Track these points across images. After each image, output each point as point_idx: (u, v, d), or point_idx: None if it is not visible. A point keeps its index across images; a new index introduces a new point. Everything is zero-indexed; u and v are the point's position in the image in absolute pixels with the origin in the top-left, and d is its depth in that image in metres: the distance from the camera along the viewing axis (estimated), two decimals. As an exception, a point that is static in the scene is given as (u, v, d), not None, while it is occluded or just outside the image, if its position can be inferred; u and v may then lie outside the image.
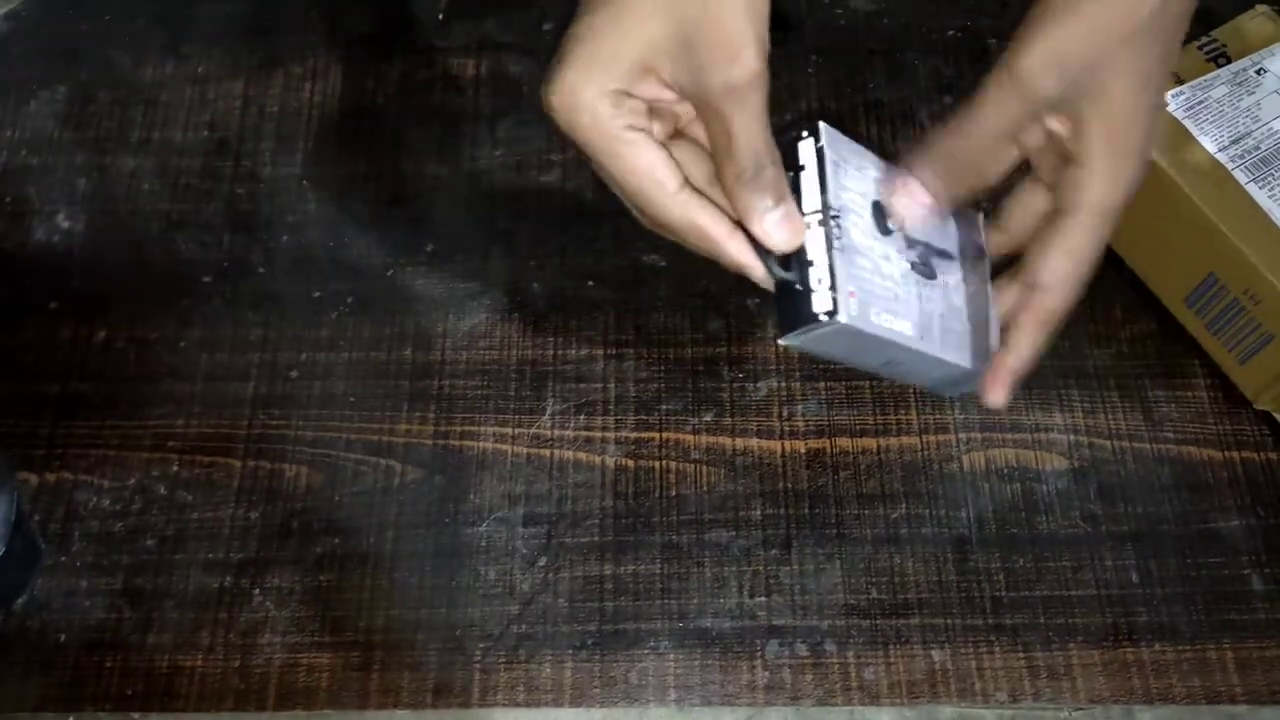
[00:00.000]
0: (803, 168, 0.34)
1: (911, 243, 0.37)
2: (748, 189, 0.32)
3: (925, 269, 0.37)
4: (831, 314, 0.33)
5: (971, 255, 0.39)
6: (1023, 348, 0.37)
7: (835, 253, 0.34)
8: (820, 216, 0.34)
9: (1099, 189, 0.34)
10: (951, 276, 0.38)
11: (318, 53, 0.64)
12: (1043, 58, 0.32)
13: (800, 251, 0.34)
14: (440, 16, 0.66)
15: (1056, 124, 0.34)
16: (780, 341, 0.35)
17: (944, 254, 0.38)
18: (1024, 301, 0.36)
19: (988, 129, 0.34)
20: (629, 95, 0.31)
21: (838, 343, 0.35)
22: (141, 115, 0.63)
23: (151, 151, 0.61)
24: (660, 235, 0.35)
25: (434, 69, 0.64)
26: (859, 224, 0.35)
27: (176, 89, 0.63)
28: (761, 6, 0.31)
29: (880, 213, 0.36)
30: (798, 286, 0.34)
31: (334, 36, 0.65)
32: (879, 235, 0.36)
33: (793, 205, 0.34)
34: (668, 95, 0.32)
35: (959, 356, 0.38)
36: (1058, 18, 0.32)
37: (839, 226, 0.34)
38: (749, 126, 0.32)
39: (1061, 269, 0.35)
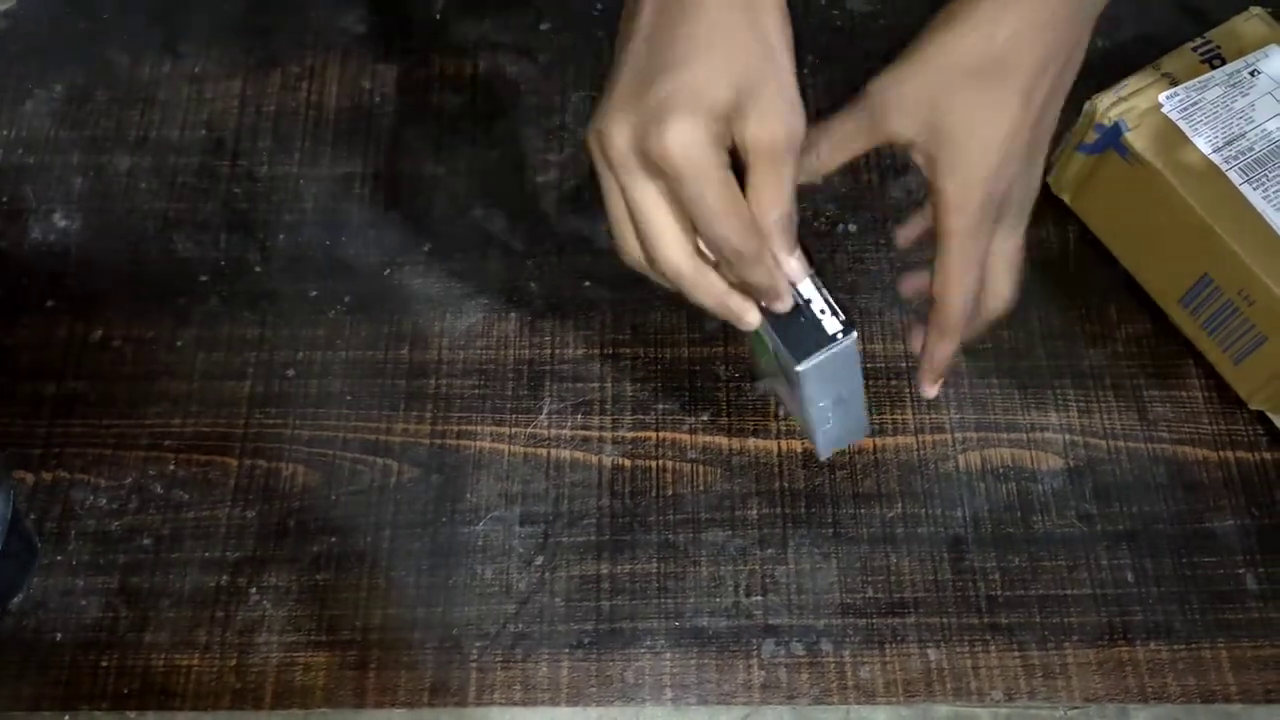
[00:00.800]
0: None
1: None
2: (785, 231, 0.37)
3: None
4: (847, 328, 0.39)
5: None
6: (931, 349, 0.42)
7: (827, 290, 0.39)
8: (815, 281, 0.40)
9: (948, 219, 0.37)
10: None
11: (315, 52, 0.64)
12: (896, 93, 0.37)
13: (798, 296, 0.39)
14: (437, 16, 0.66)
15: (916, 153, 0.38)
16: (782, 375, 0.41)
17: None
18: (930, 322, 0.41)
19: (837, 143, 0.39)
20: (718, 138, 0.34)
21: (828, 369, 0.40)
22: (139, 114, 0.63)
23: (148, 150, 0.61)
24: (679, 283, 0.38)
25: (431, 69, 0.64)
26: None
27: (174, 88, 0.63)
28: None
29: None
30: (802, 319, 0.39)
31: (331, 36, 0.65)
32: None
33: (801, 254, 0.39)
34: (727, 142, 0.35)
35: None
36: (908, 55, 0.37)
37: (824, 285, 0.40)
38: (792, 178, 0.36)
39: (940, 285, 0.39)
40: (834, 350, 0.39)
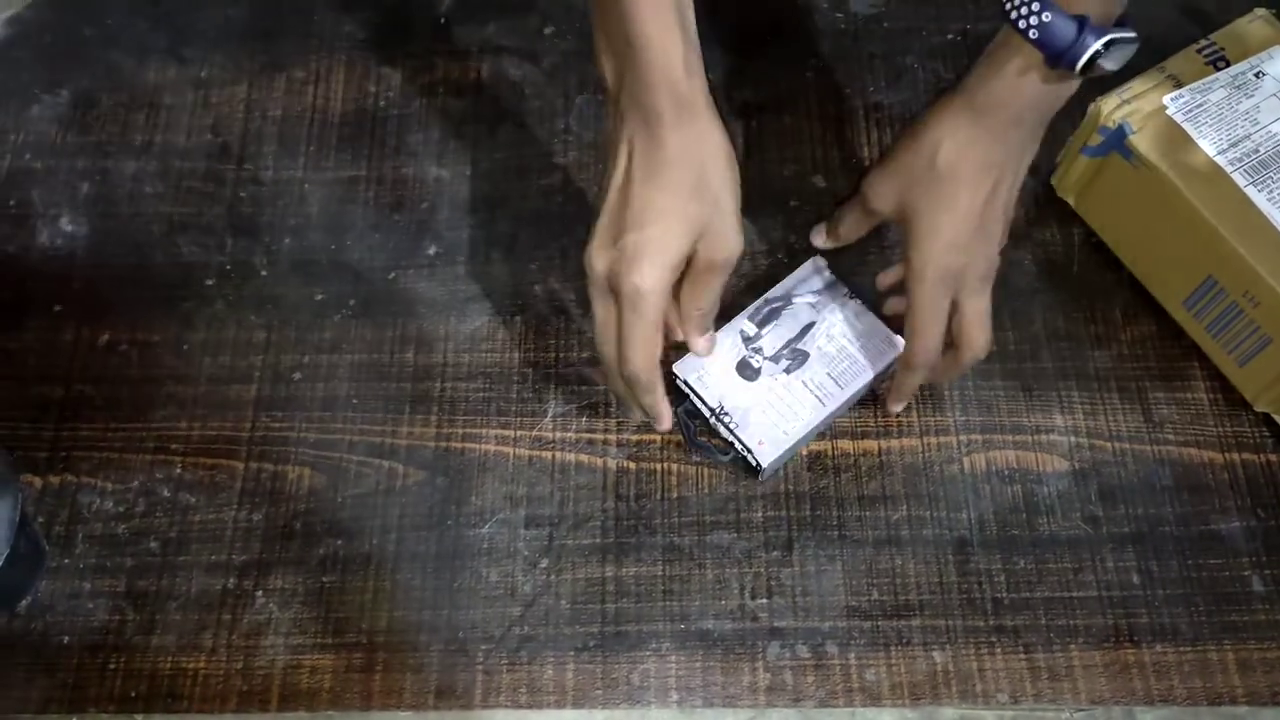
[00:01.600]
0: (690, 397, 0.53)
1: (776, 356, 0.53)
2: (701, 321, 0.49)
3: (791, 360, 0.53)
4: (759, 467, 0.51)
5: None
6: (900, 380, 0.52)
7: (738, 432, 0.51)
8: (717, 415, 0.51)
9: (912, 284, 0.48)
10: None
11: (320, 57, 0.65)
12: (871, 184, 0.50)
13: (724, 441, 0.52)
14: (441, 21, 0.66)
15: (899, 225, 0.50)
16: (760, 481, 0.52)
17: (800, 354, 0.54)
18: (900, 368, 0.52)
19: (847, 220, 0.54)
20: (665, 285, 0.45)
21: (787, 456, 0.52)
22: (144, 119, 0.63)
23: (154, 155, 0.62)
24: (611, 385, 0.49)
25: (435, 73, 0.64)
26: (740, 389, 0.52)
27: (179, 93, 0.64)
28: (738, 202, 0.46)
29: (742, 367, 0.52)
30: (735, 460, 0.52)
31: (336, 41, 0.65)
32: (767, 372, 0.52)
33: (710, 335, 0.50)
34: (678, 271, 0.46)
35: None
36: (885, 161, 0.49)
37: (726, 412, 0.51)
38: (718, 289, 0.48)
39: (909, 331, 0.49)
40: (768, 470, 0.51)
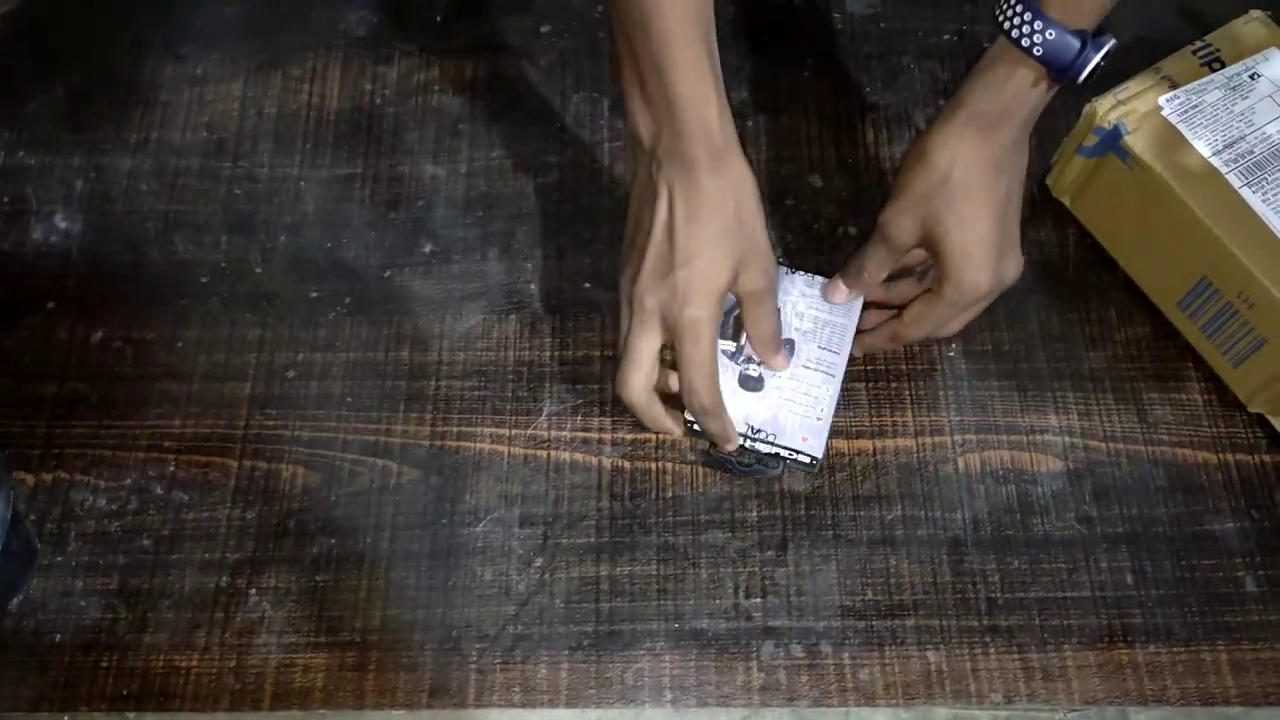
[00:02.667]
0: None
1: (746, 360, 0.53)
2: (771, 341, 0.51)
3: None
4: (814, 460, 0.51)
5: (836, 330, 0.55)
6: (875, 339, 0.54)
7: (777, 442, 0.51)
8: (749, 438, 0.52)
9: (950, 293, 0.49)
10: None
11: (316, 54, 0.64)
12: (889, 218, 0.50)
13: (775, 455, 0.52)
14: (438, 19, 0.66)
15: (928, 252, 0.51)
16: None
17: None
18: (888, 323, 0.53)
19: (874, 262, 0.52)
20: (718, 314, 0.48)
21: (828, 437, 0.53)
22: (140, 116, 0.63)
23: (149, 152, 0.62)
24: (632, 405, 0.50)
25: (432, 71, 0.64)
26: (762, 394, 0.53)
27: (175, 90, 0.63)
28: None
29: (744, 381, 0.53)
30: (790, 469, 0.53)
31: (332, 39, 0.65)
32: (768, 378, 0.53)
33: (786, 350, 0.53)
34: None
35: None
36: (896, 190, 0.50)
37: (758, 429, 0.52)
38: (775, 308, 0.51)
39: (915, 317, 0.52)
40: (817, 467, 0.52)
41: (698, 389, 0.49)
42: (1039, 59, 0.45)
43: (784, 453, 0.51)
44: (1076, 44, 0.44)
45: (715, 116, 0.46)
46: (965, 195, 0.47)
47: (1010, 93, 0.47)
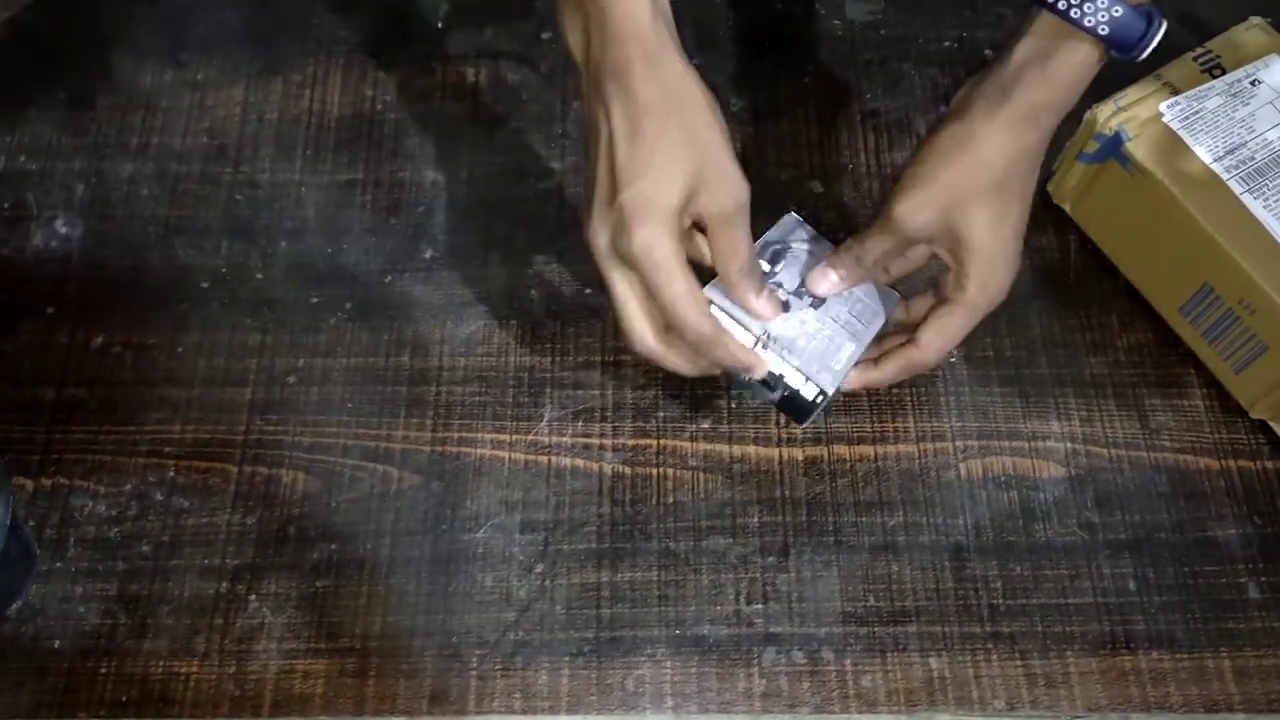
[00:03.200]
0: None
1: (799, 292, 0.49)
2: (747, 279, 0.46)
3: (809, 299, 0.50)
4: (821, 394, 0.47)
5: (869, 315, 0.51)
6: (885, 372, 0.49)
7: (789, 358, 0.47)
8: (763, 342, 0.47)
9: (976, 297, 0.46)
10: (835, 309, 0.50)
11: (317, 60, 0.64)
12: (910, 210, 0.45)
13: (769, 373, 0.47)
14: (439, 25, 0.66)
15: (940, 250, 0.47)
16: (802, 427, 0.50)
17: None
18: (903, 350, 0.48)
19: (874, 253, 0.48)
20: (675, 234, 0.43)
21: (834, 397, 0.49)
22: (140, 121, 0.63)
23: (150, 157, 0.62)
24: (650, 358, 0.46)
25: (433, 76, 0.64)
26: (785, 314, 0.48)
27: (176, 96, 0.63)
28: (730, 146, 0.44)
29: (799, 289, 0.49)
30: (786, 394, 0.47)
31: (333, 44, 0.65)
32: (795, 308, 0.49)
33: (769, 290, 0.47)
34: (686, 224, 0.45)
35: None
36: (921, 180, 0.45)
37: (774, 338, 0.47)
38: (747, 236, 0.45)
39: (934, 337, 0.47)
40: (823, 405, 0.48)
41: (681, 322, 0.43)
42: (1104, 38, 0.42)
43: (791, 375, 0.47)
44: (1143, 19, 0.42)
45: (645, 15, 0.42)
46: (1007, 193, 0.45)
47: (1064, 79, 0.44)
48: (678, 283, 0.43)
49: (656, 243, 0.42)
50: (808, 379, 0.47)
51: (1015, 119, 0.44)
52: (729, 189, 0.43)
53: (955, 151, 0.45)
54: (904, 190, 0.45)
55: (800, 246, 0.51)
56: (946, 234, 0.45)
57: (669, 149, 0.42)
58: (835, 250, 0.49)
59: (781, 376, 0.47)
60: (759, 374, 0.46)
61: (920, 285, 0.51)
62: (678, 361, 0.46)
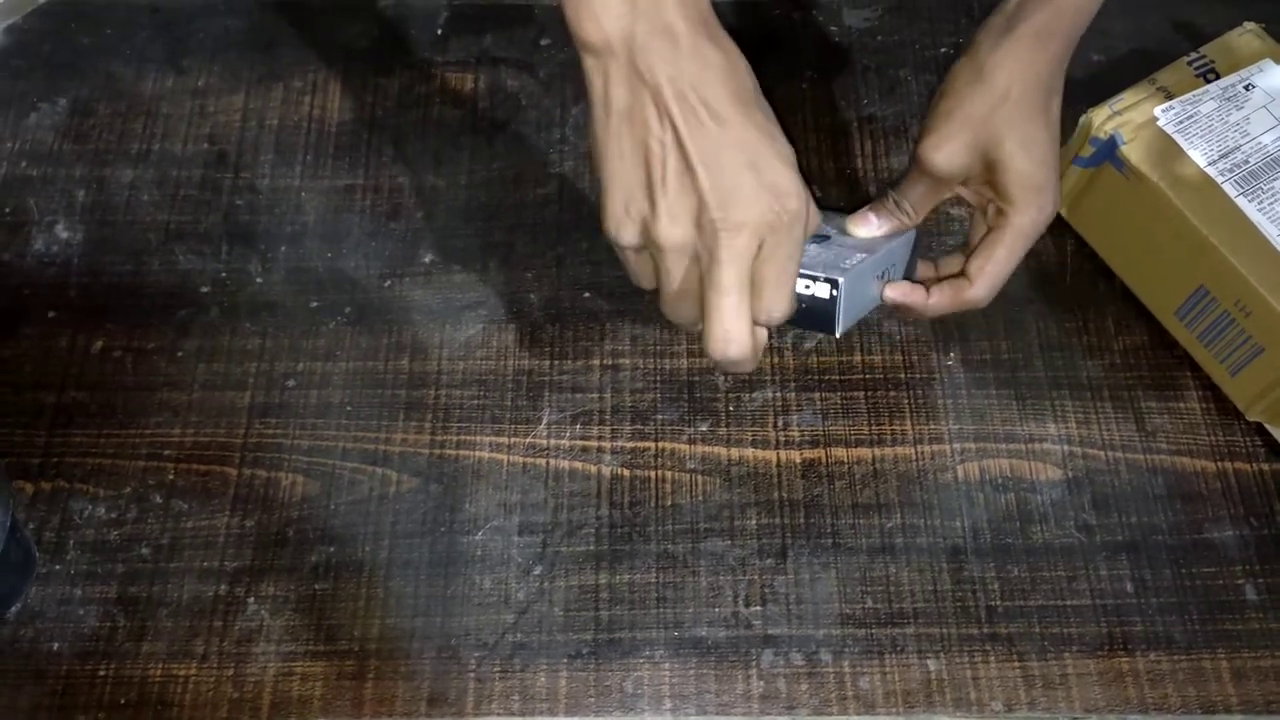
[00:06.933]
0: None
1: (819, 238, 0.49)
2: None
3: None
4: (834, 285, 0.46)
5: (899, 257, 0.51)
6: (933, 300, 0.49)
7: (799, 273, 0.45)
8: None
9: (1021, 219, 0.47)
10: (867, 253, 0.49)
11: (317, 67, 0.65)
12: (934, 146, 0.46)
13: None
14: (439, 31, 0.66)
15: (976, 188, 0.48)
16: (838, 333, 0.47)
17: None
18: (953, 281, 0.49)
19: (911, 198, 0.49)
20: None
21: (854, 296, 0.47)
22: (141, 127, 0.63)
23: (151, 163, 0.62)
24: (744, 357, 0.44)
25: (432, 83, 0.64)
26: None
27: (176, 102, 0.64)
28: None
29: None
30: (803, 305, 0.46)
31: (333, 51, 0.65)
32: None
33: None
34: None
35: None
36: (941, 118, 0.46)
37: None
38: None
39: (984, 266, 0.48)
40: (842, 300, 0.46)
41: (783, 302, 0.42)
42: None
43: (801, 286, 0.45)
44: None
45: None
46: (1027, 113, 0.45)
47: (1068, 4, 0.45)
48: (794, 251, 0.42)
49: (809, 207, 0.41)
50: (813, 279, 0.46)
51: (1021, 44, 0.45)
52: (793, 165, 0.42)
53: (969, 85, 0.46)
54: (927, 131, 0.47)
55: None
56: (979, 163, 0.46)
57: (761, 117, 0.40)
58: (873, 204, 0.50)
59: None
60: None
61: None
62: (759, 348, 0.44)
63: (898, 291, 0.49)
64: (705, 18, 0.39)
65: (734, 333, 0.42)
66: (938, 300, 0.49)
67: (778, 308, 0.42)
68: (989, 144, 0.46)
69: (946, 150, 0.46)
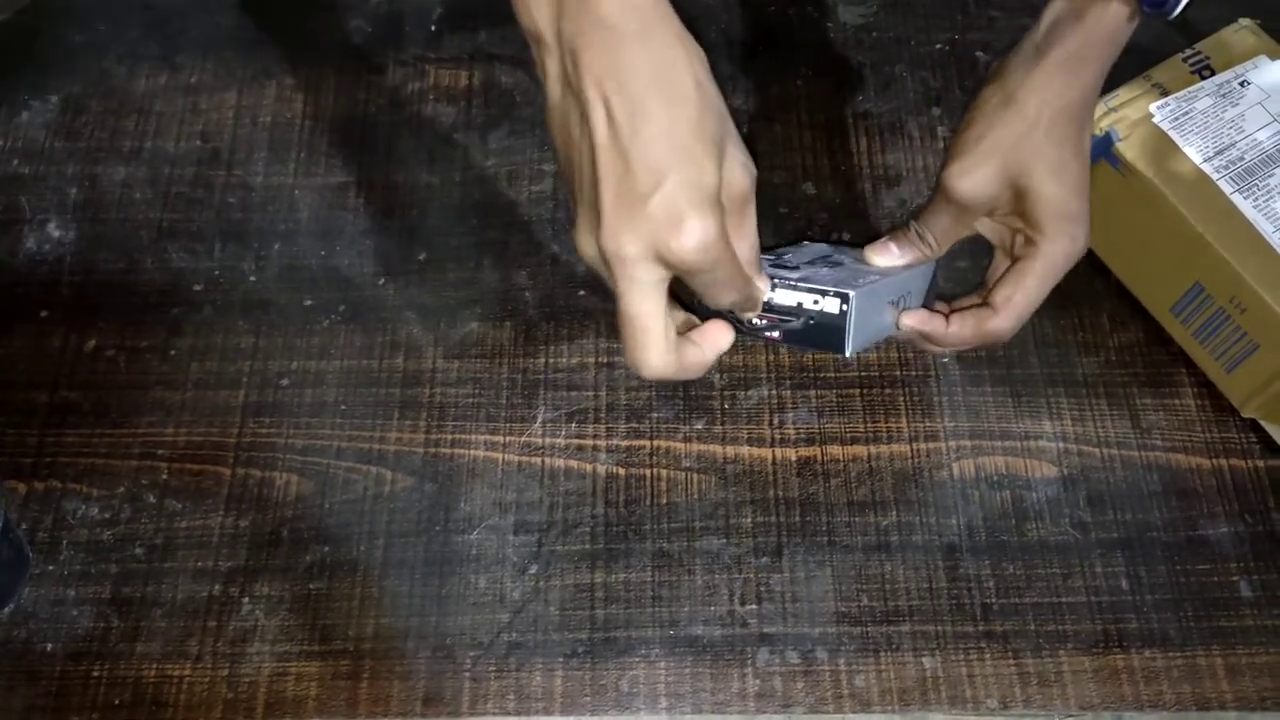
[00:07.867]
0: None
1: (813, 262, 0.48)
2: (754, 259, 0.42)
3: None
4: (845, 299, 0.43)
5: (915, 286, 0.50)
6: (954, 330, 0.47)
7: (807, 287, 0.44)
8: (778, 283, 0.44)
9: (1053, 248, 0.45)
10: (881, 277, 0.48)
11: (310, 64, 0.65)
12: (961, 173, 0.45)
13: (797, 306, 0.44)
14: (433, 28, 0.66)
15: (1003, 218, 0.47)
16: (848, 352, 0.45)
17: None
18: (976, 310, 0.47)
19: (935, 228, 0.48)
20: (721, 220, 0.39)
21: (866, 316, 0.44)
22: (134, 125, 0.63)
23: (143, 161, 0.62)
24: (665, 377, 0.41)
25: (426, 80, 0.64)
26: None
27: (169, 99, 0.64)
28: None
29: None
30: (811, 322, 0.44)
31: (327, 47, 0.65)
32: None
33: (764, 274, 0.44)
34: None
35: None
36: (969, 144, 0.45)
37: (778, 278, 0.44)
38: (753, 216, 0.41)
39: (1012, 295, 0.46)
40: (852, 316, 0.44)
41: (729, 298, 0.40)
42: None
43: (810, 301, 0.43)
44: None
45: None
46: (1058, 140, 0.43)
47: (1099, 33, 0.43)
48: (736, 268, 0.39)
49: (712, 236, 0.36)
50: (823, 294, 0.43)
51: (1053, 71, 0.43)
52: (745, 168, 0.39)
53: (998, 111, 0.44)
54: (954, 158, 0.45)
55: (819, 249, 0.51)
56: (1007, 191, 0.44)
57: (695, 120, 0.36)
58: (892, 235, 0.49)
59: (799, 304, 0.43)
60: (765, 293, 0.43)
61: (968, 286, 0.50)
62: (690, 367, 0.41)
63: (916, 319, 0.47)
64: (648, 7, 0.36)
65: (643, 365, 0.39)
66: (958, 330, 0.47)
67: (733, 304, 0.41)
68: (1018, 171, 0.44)
69: (974, 177, 0.44)
